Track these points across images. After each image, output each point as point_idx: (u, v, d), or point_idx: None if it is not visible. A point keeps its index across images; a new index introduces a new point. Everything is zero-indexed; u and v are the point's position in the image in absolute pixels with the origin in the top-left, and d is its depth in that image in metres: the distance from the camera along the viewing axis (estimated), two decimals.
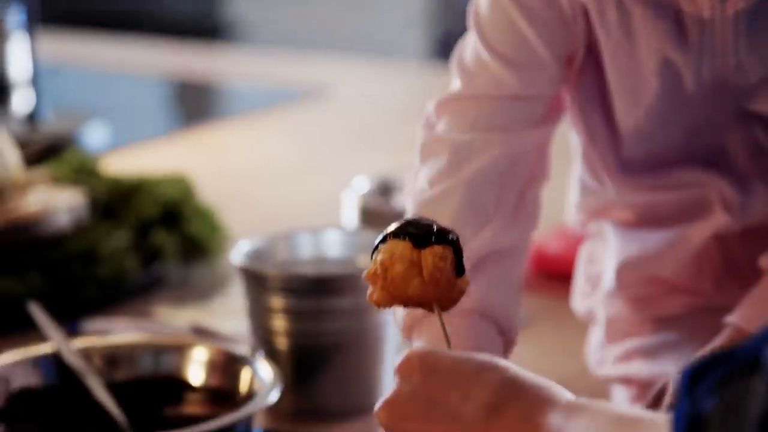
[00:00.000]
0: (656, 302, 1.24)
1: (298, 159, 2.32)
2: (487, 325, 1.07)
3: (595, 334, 1.31)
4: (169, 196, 1.69)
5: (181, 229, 1.68)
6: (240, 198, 2.00)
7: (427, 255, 0.89)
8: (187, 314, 1.57)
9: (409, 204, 1.15)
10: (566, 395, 0.81)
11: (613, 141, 1.21)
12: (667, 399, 1.13)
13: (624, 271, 1.25)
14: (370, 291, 0.92)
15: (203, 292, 1.66)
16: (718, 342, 1.14)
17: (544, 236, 1.75)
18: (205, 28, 4.69)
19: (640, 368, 1.23)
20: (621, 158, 1.21)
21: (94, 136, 2.28)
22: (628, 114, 1.18)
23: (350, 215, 1.68)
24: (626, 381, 1.25)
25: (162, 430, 1.12)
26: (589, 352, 1.33)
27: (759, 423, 0.62)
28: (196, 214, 1.70)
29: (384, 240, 0.91)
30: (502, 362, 0.83)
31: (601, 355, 1.29)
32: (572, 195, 1.32)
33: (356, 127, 2.54)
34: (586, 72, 1.18)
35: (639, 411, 0.77)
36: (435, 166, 1.13)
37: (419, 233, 0.90)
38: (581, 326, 1.47)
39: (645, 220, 1.24)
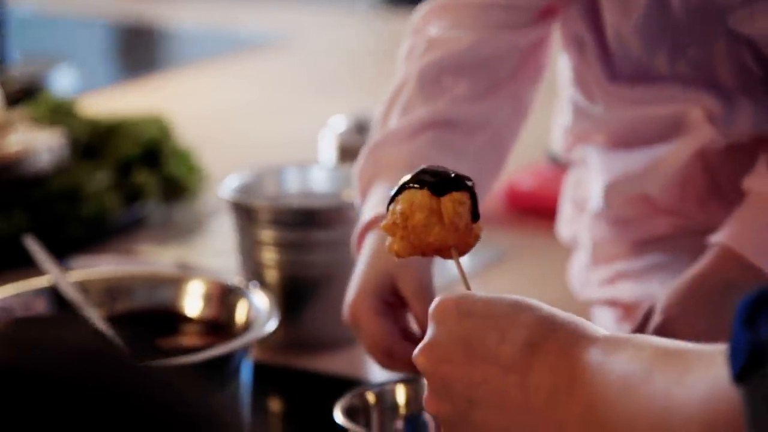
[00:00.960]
0: (642, 224, 1.27)
1: (268, 103, 2.33)
2: None
3: (579, 259, 1.34)
4: (148, 136, 1.70)
5: (161, 169, 1.69)
6: (215, 140, 2.01)
7: (446, 202, 0.91)
8: (171, 252, 1.59)
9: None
10: (602, 331, 0.81)
11: (603, 54, 1.24)
12: (655, 319, 1.16)
13: (610, 191, 1.27)
14: (390, 242, 0.93)
15: (185, 231, 1.68)
16: (704, 262, 1.18)
17: (516, 173, 1.77)
18: None
19: (625, 290, 1.26)
20: (610, 70, 1.24)
21: (62, 80, 2.27)
22: (617, 27, 1.21)
23: (328, 153, 1.70)
24: (612, 303, 1.28)
25: (158, 359, 1.14)
26: (572, 276, 1.35)
27: None
28: (174, 155, 1.71)
29: (400, 191, 0.92)
30: (535, 302, 0.83)
31: (586, 278, 1.32)
32: (561, 119, 1.34)
33: (321, 73, 2.55)
34: None
35: (682, 344, 0.76)
36: (408, 60, 1.22)
37: (437, 181, 0.91)
38: (558, 258, 1.50)
39: (630, 139, 1.26)
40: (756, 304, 0.68)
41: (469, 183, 0.92)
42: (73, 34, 2.87)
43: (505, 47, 1.23)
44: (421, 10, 1.26)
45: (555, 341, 0.81)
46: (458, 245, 0.91)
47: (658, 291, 1.21)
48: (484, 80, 1.22)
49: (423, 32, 1.24)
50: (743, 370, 0.68)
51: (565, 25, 1.27)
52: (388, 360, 1.11)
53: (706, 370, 0.72)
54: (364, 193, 1.19)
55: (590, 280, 1.31)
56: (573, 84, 1.29)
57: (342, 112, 1.87)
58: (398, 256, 0.92)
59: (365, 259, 1.13)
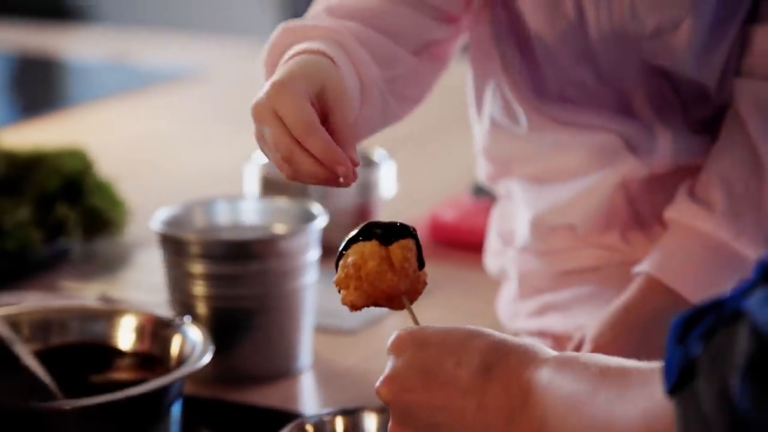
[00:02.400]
0: (568, 255, 1.29)
1: (185, 136, 2.32)
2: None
3: (507, 290, 1.36)
4: (69, 169, 1.68)
5: (82, 203, 1.67)
6: (135, 173, 2.00)
7: (395, 249, 0.95)
8: (94, 287, 1.57)
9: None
10: (552, 352, 0.85)
11: (527, 69, 1.26)
12: (585, 349, 1.18)
13: (535, 224, 1.29)
14: (344, 295, 0.96)
15: (108, 265, 1.66)
16: (630, 292, 1.20)
17: (439, 206, 1.79)
18: (53, 8, 4.61)
19: (554, 321, 1.28)
20: (534, 87, 1.27)
21: None
22: (542, 45, 1.23)
23: (253, 186, 1.70)
24: (541, 334, 1.30)
25: (92, 395, 1.13)
26: (501, 308, 1.37)
27: (744, 365, 0.66)
28: (96, 188, 1.70)
29: (348, 245, 0.96)
30: (487, 330, 0.88)
31: (515, 309, 1.33)
32: (480, 141, 1.35)
33: (232, 106, 2.54)
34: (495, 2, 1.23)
35: (625, 361, 0.81)
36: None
37: (383, 231, 0.96)
38: (484, 290, 1.52)
39: (553, 172, 1.28)
40: (687, 322, 0.72)
41: (413, 230, 0.96)
42: None
43: (410, 29, 1.20)
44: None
45: (507, 363, 0.85)
46: (409, 292, 0.96)
47: (587, 322, 1.23)
48: (390, 40, 1.18)
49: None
50: (675, 386, 0.72)
51: (480, 41, 1.28)
52: (301, 157, 1.00)
53: (644, 386, 0.76)
54: (278, 57, 1.11)
55: (519, 311, 1.32)
56: (493, 101, 1.30)
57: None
58: (354, 306, 0.97)
59: (296, 62, 1.06)
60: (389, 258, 0.95)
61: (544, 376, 0.83)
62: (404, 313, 0.98)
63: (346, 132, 1.04)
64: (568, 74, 1.25)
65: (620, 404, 0.77)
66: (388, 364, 0.88)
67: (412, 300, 0.97)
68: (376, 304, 0.98)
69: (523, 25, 1.24)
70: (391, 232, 0.96)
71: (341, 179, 1.00)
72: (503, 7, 1.25)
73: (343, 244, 0.97)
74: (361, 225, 0.97)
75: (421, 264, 0.97)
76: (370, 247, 0.95)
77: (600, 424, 0.78)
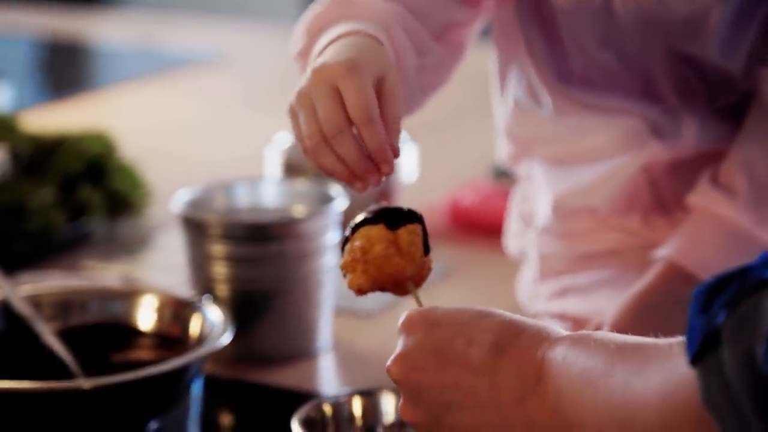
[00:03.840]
0: (588, 238, 1.29)
1: (208, 119, 2.33)
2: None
3: (527, 273, 1.36)
4: (92, 152, 1.69)
5: (105, 185, 1.68)
6: (158, 156, 2.01)
7: (402, 233, 0.95)
8: (116, 268, 1.58)
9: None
10: (565, 332, 0.85)
11: (552, 52, 1.26)
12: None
13: (557, 205, 1.29)
14: (350, 278, 0.96)
15: (130, 247, 1.67)
16: (651, 276, 1.20)
17: (458, 189, 1.79)
18: None
19: (573, 304, 1.28)
20: (559, 70, 1.26)
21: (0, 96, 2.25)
22: (568, 27, 1.22)
23: (274, 169, 1.70)
24: (560, 317, 1.30)
25: (112, 374, 1.14)
26: (521, 289, 1.37)
27: None
28: (119, 170, 1.71)
29: (355, 229, 0.96)
30: (497, 309, 0.87)
31: (534, 291, 1.33)
32: (502, 121, 1.34)
33: (256, 89, 2.55)
34: None
35: (642, 338, 0.80)
36: None
37: (391, 216, 0.96)
38: (502, 273, 1.52)
39: (576, 154, 1.28)
40: (710, 292, 0.72)
41: (419, 215, 0.96)
42: (1, 51, 2.85)
43: (433, 8, 1.19)
44: None
45: (520, 342, 0.84)
46: (414, 277, 0.95)
47: (606, 306, 1.23)
48: (419, 23, 1.17)
49: None
50: (699, 354, 0.71)
51: (505, 24, 1.27)
52: (347, 142, 0.98)
53: (662, 360, 0.76)
54: (319, 32, 1.10)
55: (538, 293, 1.33)
56: (516, 84, 1.30)
57: (281, 128, 1.87)
58: (359, 290, 0.96)
59: (354, 44, 1.04)
60: (396, 242, 0.95)
61: (559, 353, 0.82)
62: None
63: (395, 125, 1.01)
64: (593, 58, 1.24)
65: (638, 378, 0.77)
66: (399, 344, 0.88)
67: (417, 285, 0.97)
68: (382, 289, 0.97)
69: (549, 7, 1.24)
70: (398, 217, 0.96)
71: (380, 176, 1.00)
72: None
73: (348, 228, 0.97)
74: (367, 209, 0.97)
75: (426, 249, 0.97)
76: (378, 231, 0.95)
77: (617, 398, 0.77)
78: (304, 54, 1.13)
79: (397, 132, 1.02)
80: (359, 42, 1.04)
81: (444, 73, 1.23)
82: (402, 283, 0.97)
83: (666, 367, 0.75)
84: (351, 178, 0.99)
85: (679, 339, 0.76)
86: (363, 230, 0.96)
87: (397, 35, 1.11)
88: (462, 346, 0.85)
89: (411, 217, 0.96)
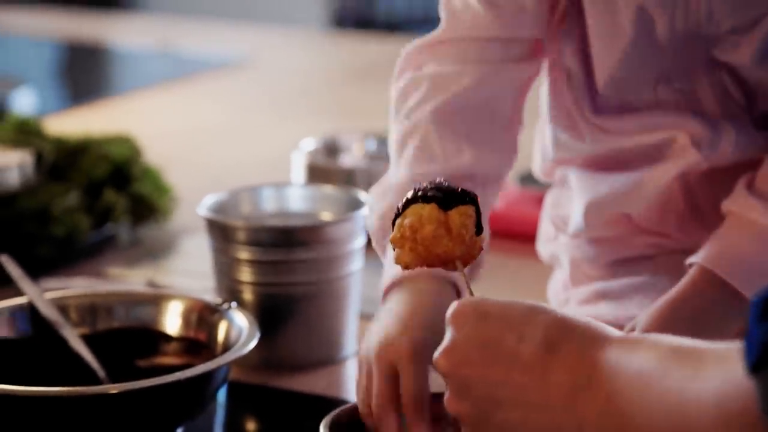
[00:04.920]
0: (621, 244, 1.28)
1: (233, 123, 2.33)
2: None
3: (559, 277, 1.35)
4: (117, 156, 1.68)
5: (130, 190, 1.68)
6: (183, 160, 2.00)
7: (454, 215, 0.94)
8: (141, 273, 1.57)
9: (391, 141, 1.22)
10: (617, 332, 0.83)
11: (589, 86, 1.25)
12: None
13: (590, 211, 1.28)
14: (398, 253, 0.95)
15: (155, 252, 1.66)
16: (682, 284, 1.18)
17: None
18: None
19: (605, 310, 1.27)
20: (596, 103, 1.25)
21: (22, 102, 2.25)
22: (604, 59, 1.22)
23: (299, 174, 1.70)
24: None
25: (138, 379, 1.13)
26: (551, 294, 1.36)
27: None
28: (144, 175, 1.70)
29: (407, 205, 0.95)
30: (549, 306, 0.86)
31: (565, 297, 1.32)
32: (540, 151, 1.35)
33: (280, 94, 2.55)
34: (567, 18, 1.22)
35: (696, 341, 0.78)
36: (414, 98, 1.21)
37: (444, 195, 0.94)
38: (532, 278, 1.51)
39: (613, 163, 1.27)
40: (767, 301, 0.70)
41: (473, 196, 0.94)
42: (23, 55, 2.85)
43: (507, 82, 1.23)
44: (415, 43, 1.25)
45: (572, 340, 0.83)
46: (463, 257, 0.94)
47: (637, 312, 1.21)
48: (487, 123, 1.23)
49: (421, 68, 1.24)
50: (758, 363, 0.70)
51: (553, 59, 1.28)
52: (390, 421, 1.04)
53: (720, 365, 0.74)
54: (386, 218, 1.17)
55: (570, 298, 1.31)
56: (556, 120, 1.29)
57: (304, 132, 1.87)
58: (406, 267, 0.95)
59: (425, 314, 1.09)
60: (447, 223, 0.94)
61: (612, 354, 0.81)
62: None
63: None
64: (628, 84, 1.23)
65: (694, 382, 0.75)
66: (447, 336, 0.86)
67: (466, 264, 0.96)
68: (430, 266, 0.96)
69: (585, 39, 1.24)
70: (451, 197, 0.94)
71: None
72: (572, 23, 1.25)
73: (401, 203, 0.95)
74: (421, 186, 0.96)
75: (479, 230, 0.95)
76: (429, 210, 0.94)
77: (672, 402, 0.76)
78: (380, 243, 1.18)
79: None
80: (428, 312, 1.08)
81: (513, 153, 1.27)
82: (451, 262, 0.95)
83: (723, 373, 0.74)
84: None
85: (736, 344, 0.74)
86: (415, 207, 0.94)
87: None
88: (512, 342, 0.83)
89: (464, 197, 0.95)
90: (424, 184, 0.95)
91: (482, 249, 0.96)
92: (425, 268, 0.97)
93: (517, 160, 1.28)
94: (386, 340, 1.05)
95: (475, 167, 1.21)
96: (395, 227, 0.95)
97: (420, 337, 1.06)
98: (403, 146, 1.23)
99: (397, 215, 0.95)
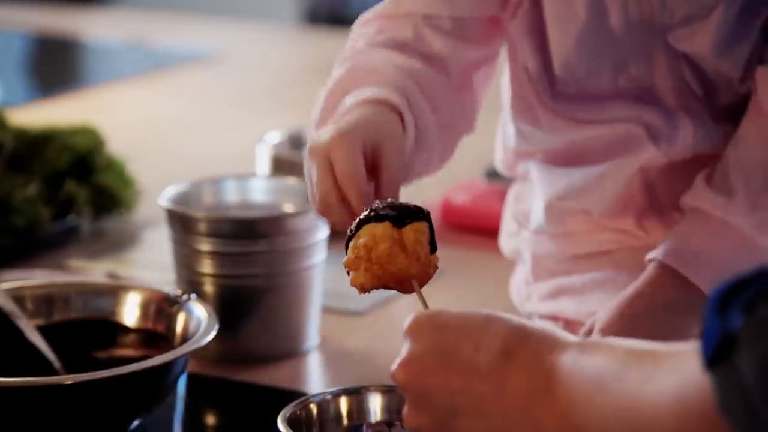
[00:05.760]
0: (583, 239, 1.27)
1: (199, 117, 2.31)
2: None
3: (521, 273, 1.34)
4: (80, 147, 1.67)
5: (93, 181, 1.66)
6: (147, 153, 1.99)
7: (408, 231, 0.94)
8: (102, 266, 1.56)
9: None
10: (573, 337, 0.83)
11: (547, 72, 1.24)
12: (594, 337, 1.16)
13: (551, 206, 1.27)
14: (353, 276, 0.95)
15: (117, 244, 1.65)
16: (641, 280, 1.18)
17: (451, 189, 1.77)
18: None
19: (566, 306, 1.26)
20: (554, 92, 1.25)
21: None
22: (560, 44, 1.22)
23: (264, 167, 1.69)
24: (553, 318, 1.28)
25: (95, 371, 1.12)
26: (514, 289, 1.35)
27: None
28: (107, 166, 1.69)
29: (360, 225, 0.95)
30: (505, 314, 0.86)
31: (527, 292, 1.32)
32: (501, 142, 1.34)
33: (248, 88, 2.54)
34: (524, 4, 1.22)
35: (653, 343, 0.78)
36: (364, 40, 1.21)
37: (397, 213, 0.95)
38: (496, 273, 1.51)
39: (573, 157, 1.27)
40: (727, 293, 0.70)
41: (426, 213, 0.94)
42: None
43: (455, 59, 1.23)
44: (361, 18, 1.25)
45: (528, 347, 0.83)
46: (418, 275, 0.94)
47: (598, 308, 1.21)
48: (435, 67, 1.22)
49: (373, 35, 1.23)
50: (714, 358, 0.69)
51: (510, 48, 1.27)
52: (335, 205, 1.06)
53: (675, 364, 0.74)
54: (336, 102, 1.16)
55: (532, 294, 1.31)
56: (516, 109, 1.29)
57: (272, 126, 1.86)
58: (363, 289, 0.95)
59: (361, 113, 1.11)
60: (401, 240, 0.94)
61: (569, 358, 0.81)
62: (413, 295, 0.96)
63: (390, 189, 1.07)
64: (584, 73, 1.23)
65: (650, 383, 0.75)
66: (404, 348, 0.86)
67: (422, 284, 0.95)
68: (386, 287, 0.96)
69: (543, 26, 1.23)
70: (405, 214, 0.95)
71: None
72: (529, 10, 1.24)
73: (354, 225, 0.95)
74: (372, 206, 0.96)
75: (433, 248, 0.95)
76: (383, 229, 0.94)
77: (629, 403, 0.76)
78: (322, 124, 1.16)
79: (394, 193, 1.08)
80: (365, 112, 1.11)
81: (467, 121, 1.26)
82: (407, 282, 0.95)
83: (679, 372, 0.74)
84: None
85: (691, 343, 0.74)
86: (368, 227, 0.94)
87: (414, 99, 1.16)
88: (469, 351, 0.84)
89: (417, 214, 0.95)
90: (376, 204, 0.95)
91: (437, 267, 0.95)
92: None
93: (480, 104, 1.27)
94: (314, 142, 1.08)
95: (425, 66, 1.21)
96: (349, 249, 0.95)
97: (346, 125, 1.08)
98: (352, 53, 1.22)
99: (350, 237, 0.95)
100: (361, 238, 0.94)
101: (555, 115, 1.25)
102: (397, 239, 0.93)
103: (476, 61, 1.25)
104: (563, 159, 1.27)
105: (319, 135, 1.08)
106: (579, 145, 1.26)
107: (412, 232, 0.94)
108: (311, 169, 1.08)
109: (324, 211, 1.07)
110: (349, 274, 0.96)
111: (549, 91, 1.25)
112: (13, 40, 2.92)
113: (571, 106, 1.25)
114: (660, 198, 1.25)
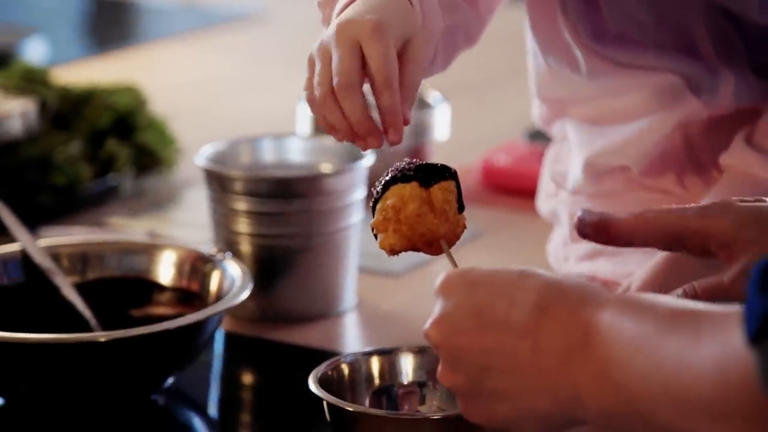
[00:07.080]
0: (620, 199, 1.26)
1: (243, 76, 2.31)
2: None
3: (558, 234, 1.33)
4: (121, 106, 1.67)
5: (134, 140, 1.67)
6: (190, 112, 1.99)
7: (436, 191, 0.93)
8: (143, 224, 1.57)
9: None
10: (611, 293, 0.81)
11: (586, 11, 1.22)
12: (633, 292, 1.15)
13: (589, 165, 1.26)
14: (382, 238, 0.93)
15: (157, 203, 1.65)
16: None
17: (492, 151, 1.76)
18: None
19: (603, 267, 1.25)
20: (593, 29, 1.22)
21: (33, 51, 2.24)
22: None
23: (304, 127, 1.68)
24: (591, 279, 1.26)
25: (130, 328, 1.12)
26: (551, 251, 1.34)
27: None
28: (148, 125, 1.69)
29: (386, 187, 0.93)
30: (538, 269, 0.83)
31: (564, 253, 1.31)
32: (535, 83, 1.32)
33: (292, 48, 2.53)
34: None
35: (693, 304, 0.76)
36: None
37: (424, 173, 0.93)
38: (534, 234, 1.50)
39: (611, 113, 1.25)
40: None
41: (453, 171, 0.93)
42: (40, 5, 2.84)
43: None
44: None
45: (564, 303, 0.80)
46: (447, 236, 0.92)
47: (636, 269, 1.20)
48: None
49: None
50: (757, 334, 0.68)
51: None
52: (359, 101, 0.97)
53: (718, 332, 0.72)
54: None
55: (569, 255, 1.30)
56: (549, 50, 1.26)
57: None
58: (392, 250, 0.94)
59: (385, 3, 1.02)
60: (430, 200, 0.92)
61: (607, 316, 0.78)
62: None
63: (412, 91, 1.01)
64: (628, 15, 1.21)
65: (692, 348, 0.73)
66: (437, 307, 0.84)
67: (450, 244, 0.94)
68: (415, 249, 0.94)
69: None
70: (432, 174, 0.93)
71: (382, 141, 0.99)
72: None
73: (380, 185, 0.94)
74: (397, 165, 0.95)
75: (461, 207, 0.94)
76: (410, 189, 0.92)
77: (669, 368, 0.74)
78: (329, 3, 1.10)
79: (413, 99, 1.01)
80: (388, 1, 1.03)
81: (471, 34, 1.21)
82: (435, 242, 0.94)
83: (722, 339, 0.71)
84: (352, 137, 0.98)
85: (736, 309, 0.72)
86: (395, 188, 0.93)
87: None
88: (503, 307, 0.81)
89: (444, 173, 0.93)
90: (401, 164, 0.94)
91: (465, 227, 0.94)
92: None
93: (489, 22, 1.21)
94: (348, 18, 1.00)
95: None
96: (376, 211, 0.93)
97: (383, 17, 0.99)
98: None
99: (377, 199, 0.93)
100: (389, 199, 0.92)
101: (593, 53, 1.23)
102: (426, 199, 0.92)
103: None
104: (601, 116, 1.26)
105: (348, 20, 0.99)
106: (618, 96, 1.24)
107: (440, 191, 0.92)
108: (334, 51, 0.99)
109: (327, 105, 0.98)
110: (376, 237, 0.95)
111: (590, 30, 1.22)
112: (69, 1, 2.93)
113: (611, 46, 1.22)
114: (701, 156, 1.24)
